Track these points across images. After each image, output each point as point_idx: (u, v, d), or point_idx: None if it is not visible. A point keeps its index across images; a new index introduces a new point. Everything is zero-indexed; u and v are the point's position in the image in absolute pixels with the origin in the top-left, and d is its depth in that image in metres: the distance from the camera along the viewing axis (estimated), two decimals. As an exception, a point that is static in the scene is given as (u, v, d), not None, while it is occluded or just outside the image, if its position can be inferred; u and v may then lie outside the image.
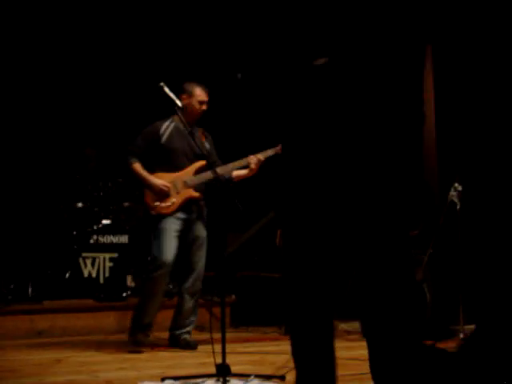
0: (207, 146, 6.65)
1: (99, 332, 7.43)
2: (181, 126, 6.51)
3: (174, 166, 6.54)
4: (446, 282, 6.91)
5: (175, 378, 4.94)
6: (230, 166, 6.52)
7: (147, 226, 8.04)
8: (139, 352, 6.30)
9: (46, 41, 8.53)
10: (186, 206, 6.52)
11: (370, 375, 5.20)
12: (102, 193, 8.16)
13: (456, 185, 6.54)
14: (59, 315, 7.43)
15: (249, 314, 6.87)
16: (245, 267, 6.55)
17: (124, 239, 8.03)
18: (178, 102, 5.45)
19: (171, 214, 6.46)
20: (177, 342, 6.55)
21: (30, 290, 7.52)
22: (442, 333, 6.77)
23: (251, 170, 6.50)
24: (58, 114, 8.56)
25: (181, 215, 6.50)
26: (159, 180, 6.47)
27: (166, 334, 6.68)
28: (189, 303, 6.60)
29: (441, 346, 6.35)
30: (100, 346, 6.77)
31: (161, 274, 6.36)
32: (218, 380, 4.75)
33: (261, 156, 6.46)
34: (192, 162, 6.57)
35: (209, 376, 4.86)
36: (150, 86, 5.66)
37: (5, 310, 7.23)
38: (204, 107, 6.57)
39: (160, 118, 6.66)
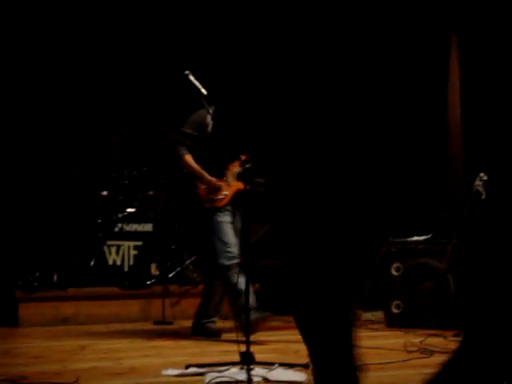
0: None
1: (123, 319, 7.47)
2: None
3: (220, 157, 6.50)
4: (471, 273, 6.88)
5: (199, 366, 4.96)
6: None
7: (173, 215, 8.08)
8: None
9: (73, 27, 8.55)
10: (234, 197, 6.46)
11: (392, 364, 5.22)
12: (126, 181, 8.18)
13: (481, 174, 6.50)
14: (84, 303, 7.47)
15: (272, 303, 6.85)
16: (268, 256, 6.55)
17: (148, 227, 8.06)
18: (204, 91, 5.42)
19: (224, 207, 6.39)
20: (201, 331, 6.54)
21: (55, 278, 7.56)
22: (465, 323, 6.75)
23: None
24: (84, 101, 8.58)
25: (229, 207, 6.43)
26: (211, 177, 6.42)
27: (189, 322, 6.69)
28: (219, 293, 6.54)
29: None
30: (124, 333, 6.81)
31: (233, 265, 6.28)
32: (241, 368, 4.76)
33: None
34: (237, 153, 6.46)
35: (233, 364, 4.87)
36: (176, 73, 5.66)
37: (30, 297, 7.28)
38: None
39: (186, 105, 6.60)
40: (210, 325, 6.55)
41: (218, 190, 6.39)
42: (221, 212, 6.37)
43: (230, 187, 6.42)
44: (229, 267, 6.26)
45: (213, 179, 6.39)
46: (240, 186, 6.40)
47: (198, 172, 6.43)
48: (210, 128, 6.44)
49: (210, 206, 6.40)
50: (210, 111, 6.18)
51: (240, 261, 6.28)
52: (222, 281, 6.41)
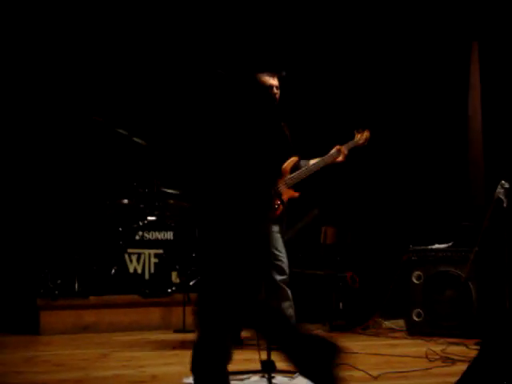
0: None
1: (144, 327, 7.48)
2: None
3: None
4: (493, 281, 6.85)
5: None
6: (319, 163, 6.29)
7: (193, 223, 8.08)
8: None
9: (109, 32, 8.57)
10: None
11: (414, 373, 5.20)
12: (147, 189, 8.20)
13: (503, 182, 6.47)
14: (105, 310, 7.49)
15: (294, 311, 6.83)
16: (289, 264, 6.54)
17: (169, 235, 8.07)
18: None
19: (276, 217, 6.15)
20: None
21: (76, 286, 7.59)
22: (487, 331, 6.72)
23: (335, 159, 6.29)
24: (105, 110, 8.60)
25: (281, 216, 6.21)
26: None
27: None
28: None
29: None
30: (145, 341, 6.82)
31: (285, 280, 6.17)
32: (263, 376, 4.76)
33: (344, 148, 6.28)
34: (284, 157, 6.22)
35: (254, 372, 4.87)
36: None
37: (52, 304, 7.31)
38: (275, 91, 6.15)
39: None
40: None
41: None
42: (273, 223, 6.05)
43: (282, 196, 6.20)
44: (278, 282, 6.12)
45: None
46: (292, 194, 6.20)
47: None
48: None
49: None
50: None
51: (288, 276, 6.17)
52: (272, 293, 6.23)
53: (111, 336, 7.11)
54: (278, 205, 6.19)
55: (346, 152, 6.28)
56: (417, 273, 7.11)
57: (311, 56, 8.93)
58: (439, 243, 7.21)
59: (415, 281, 7.10)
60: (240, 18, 8.77)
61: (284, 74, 7.30)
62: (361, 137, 6.40)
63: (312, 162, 6.31)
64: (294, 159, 6.24)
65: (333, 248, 8.06)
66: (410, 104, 8.91)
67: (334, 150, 6.27)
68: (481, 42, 8.63)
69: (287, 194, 6.21)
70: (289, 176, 6.23)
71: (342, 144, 6.32)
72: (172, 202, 8.23)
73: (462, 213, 8.16)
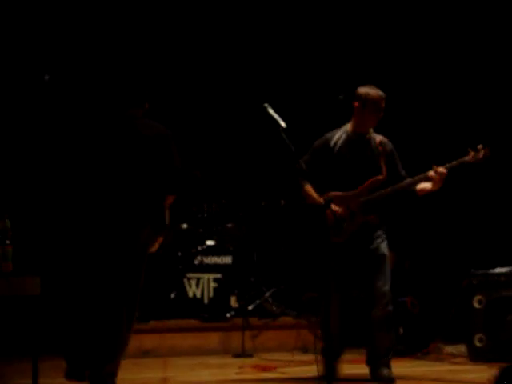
0: (385, 157, 5.94)
1: (203, 352, 7.48)
2: (353, 136, 5.93)
3: (347, 183, 5.87)
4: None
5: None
6: (405, 183, 5.87)
7: (251, 247, 8.09)
8: None
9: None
10: (360, 230, 5.88)
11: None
12: (206, 214, 8.24)
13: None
14: (165, 335, 7.52)
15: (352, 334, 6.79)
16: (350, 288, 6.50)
17: (228, 260, 8.09)
18: (282, 123, 5.34)
19: (344, 241, 5.85)
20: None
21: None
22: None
23: (434, 183, 5.76)
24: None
25: (353, 241, 5.87)
26: (332, 206, 5.66)
27: (270, 355, 6.64)
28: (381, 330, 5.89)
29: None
30: (204, 365, 6.83)
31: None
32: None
33: (443, 169, 5.74)
34: (367, 177, 5.87)
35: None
36: (254, 106, 5.69)
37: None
38: (380, 115, 5.91)
39: (264, 137, 6.52)
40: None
41: (342, 221, 5.81)
42: (337, 247, 5.82)
43: (352, 220, 5.88)
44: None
45: (337, 209, 5.79)
46: (365, 217, 5.87)
47: (318, 203, 5.80)
48: (336, 150, 5.95)
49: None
50: (353, 133, 5.91)
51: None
52: None
53: (171, 360, 7.12)
54: (345, 229, 5.83)
55: (443, 171, 5.72)
56: (478, 297, 7.01)
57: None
58: (501, 267, 7.11)
59: (476, 305, 7.00)
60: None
61: (341, 97, 7.27)
62: (475, 155, 5.80)
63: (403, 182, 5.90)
64: (376, 178, 5.87)
65: (392, 273, 7.99)
66: (475, 110, 8.71)
67: (423, 174, 5.80)
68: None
69: (361, 217, 5.86)
70: (366, 196, 5.86)
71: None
72: (230, 226, 8.26)
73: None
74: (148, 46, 8.55)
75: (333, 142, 5.95)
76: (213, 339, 7.63)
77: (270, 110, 5.31)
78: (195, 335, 7.59)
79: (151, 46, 8.58)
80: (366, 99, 5.84)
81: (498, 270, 7.08)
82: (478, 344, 6.92)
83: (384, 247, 5.92)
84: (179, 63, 8.85)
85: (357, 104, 5.89)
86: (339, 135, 5.97)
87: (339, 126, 6.12)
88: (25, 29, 7.84)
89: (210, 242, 8.15)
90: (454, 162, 5.77)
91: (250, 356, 7.26)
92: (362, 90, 5.89)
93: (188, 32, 8.87)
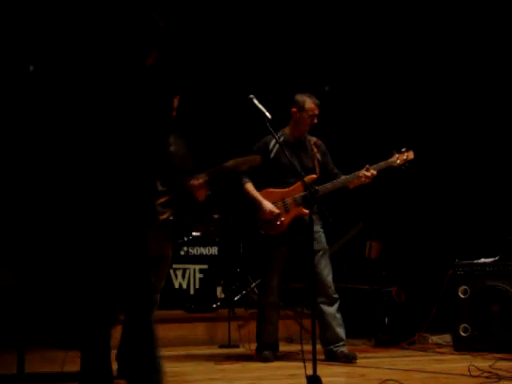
0: (319, 157, 6.52)
1: (189, 343, 7.50)
2: (290, 138, 6.50)
3: (283, 182, 6.42)
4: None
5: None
6: (342, 180, 6.41)
7: (238, 238, 8.09)
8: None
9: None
10: (295, 223, 6.38)
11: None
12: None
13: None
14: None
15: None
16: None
17: (214, 251, 8.10)
18: (268, 114, 5.37)
19: (280, 234, 6.37)
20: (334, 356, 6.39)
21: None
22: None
23: (365, 180, 6.34)
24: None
25: (289, 233, 6.38)
26: (269, 204, 6.34)
27: (254, 345, 6.67)
28: (331, 314, 6.39)
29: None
30: (190, 356, 6.83)
31: (270, 302, 6.43)
32: (308, 391, 4.74)
33: (374, 171, 6.30)
34: (302, 176, 6.17)
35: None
36: (240, 98, 5.69)
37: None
38: (314, 121, 6.46)
39: (251, 132, 6.63)
40: (342, 349, 6.40)
41: (277, 217, 6.33)
42: (274, 240, 6.38)
43: (288, 213, 6.38)
44: (263, 304, 6.49)
45: (267, 207, 6.33)
46: (301, 211, 6.35)
47: (257, 200, 6.39)
48: (273, 153, 6.49)
49: (264, 233, 6.40)
50: (276, 135, 6.14)
51: (278, 293, 6.42)
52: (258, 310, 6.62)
53: (157, 351, 7.12)
54: (282, 222, 6.35)
55: (374, 173, 6.31)
56: (463, 287, 7.05)
57: (351, 70, 8.93)
58: (486, 257, 7.15)
59: (461, 295, 7.04)
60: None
61: (327, 88, 7.34)
62: (400, 157, 6.36)
63: (340, 179, 6.43)
64: (310, 177, 6.31)
65: (378, 262, 8.02)
66: (455, 117, 8.85)
67: (355, 173, 6.35)
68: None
69: (296, 211, 6.37)
70: (301, 193, 6.36)
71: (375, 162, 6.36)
72: (217, 217, 8.26)
73: (508, 226, 8.08)
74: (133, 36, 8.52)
75: (271, 145, 6.48)
76: (199, 330, 7.64)
77: (256, 101, 5.32)
78: (181, 326, 7.60)
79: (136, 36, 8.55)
80: (302, 105, 6.42)
81: (483, 260, 7.11)
82: (462, 334, 6.96)
83: (324, 240, 6.46)
84: (165, 55, 8.82)
85: (294, 109, 6.47)
86: (275, 140, 6.22)
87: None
88: (9, 19, 7.81)
89: (196, 233, 8.15)
90: (382, 164, 6.31)
91: (237, 346, 7.28)
92: (300, 97, 6.47)
93: (174, 24, 8.85)
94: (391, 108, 9.02)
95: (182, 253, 8.01)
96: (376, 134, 8.79)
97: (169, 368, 6.16)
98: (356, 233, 7.90)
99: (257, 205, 6.40)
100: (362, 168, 6.32)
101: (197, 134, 8.94)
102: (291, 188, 6.40)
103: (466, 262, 7.13)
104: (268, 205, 6.34)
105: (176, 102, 5.73)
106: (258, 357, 6.47)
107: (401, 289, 7.49)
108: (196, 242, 8.09)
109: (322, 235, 6.48)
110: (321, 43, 8.93)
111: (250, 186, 6.45)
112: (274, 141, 6.44)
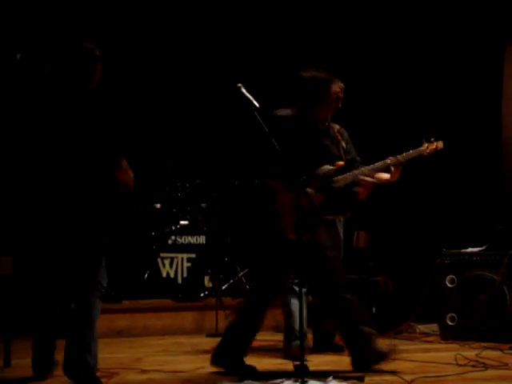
0: (344, 144, 5.92)
1: (177, 332, 7.50)
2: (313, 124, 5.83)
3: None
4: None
5: (254, 378, 4.96)
6: (369, 168, 5.75)
7: (225, 227, 8.09)
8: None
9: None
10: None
11: (448, 377, 5.16)
12: (179, 194, 8.23)
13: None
14: (138, 315, 7.52)
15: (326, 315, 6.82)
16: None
17: (202, 240, 8.09)
18: (256, 103, 5.32)
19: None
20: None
21: (109, 290, 7.62)
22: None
23: (392, 173, 5.73)
24: (141, 115, 8.64)
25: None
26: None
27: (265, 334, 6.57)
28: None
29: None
30: (178, 345, 6.84)
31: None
32: (296, 380, 4.74)
33: (401, 158, 5.70)
34: (329, 163, 5.78)
35: (287, 376, 4.86)
36: (227, 86, 5.67)
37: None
38: (339, 104, 5.83)
39: (237, 117, 6.55)
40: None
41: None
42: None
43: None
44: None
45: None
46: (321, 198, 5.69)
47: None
48: None
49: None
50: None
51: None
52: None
53: (144, 340, 7.13)
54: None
55: (402, 161, 5.71)
56: (450, 277, 7.06)
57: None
58: (473, 247, 7.16)
59: (449, 285, 7.05)
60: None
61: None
62: (429, 146, 5.83)
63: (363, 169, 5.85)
64: (338, 164, 5.78)
65: (365, 252, 8.03)
66: (442, 107, 8.86)
67: (382, 161, 5.76)
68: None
69: (317, 198, 5.66)
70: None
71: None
72: (204, 205, 8.26)
73: (495, 216, 8.10)
74: (117, 25, 8.53)
75: None
76: (186, 319, 7.64)
77: (243, 90, 5.29)
78: (169, 315, 7.60)
79: (121, 25, 8.56)
80: (328, 90, 5.73)
81: (470, 249, 7.13)
82: (449, 323, 6.98)
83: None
84: (152, 43, 8.81)
85: None
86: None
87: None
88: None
89: (183, 222, 8.14)
90: (411, 152, 5.72)
91: (224, 335, 7.27)
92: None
93: (160, 13, 8.83)
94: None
95: (170, 242, 8.00)
96: (391, 126, 8.74)
97: (157, 357, 6.19)
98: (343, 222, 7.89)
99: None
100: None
101: (183, 121, 8.95)
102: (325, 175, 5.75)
103: (454, 251, 7.15)
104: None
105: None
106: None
107: (388, 278, 7.50)
108: (184, 231, 8.08)
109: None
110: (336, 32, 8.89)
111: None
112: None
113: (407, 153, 5.72)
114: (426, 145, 5.79)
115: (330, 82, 5.73)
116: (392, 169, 5.69)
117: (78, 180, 4.92)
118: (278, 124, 5.53)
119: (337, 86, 5.79)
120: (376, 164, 5.74)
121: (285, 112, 5.67)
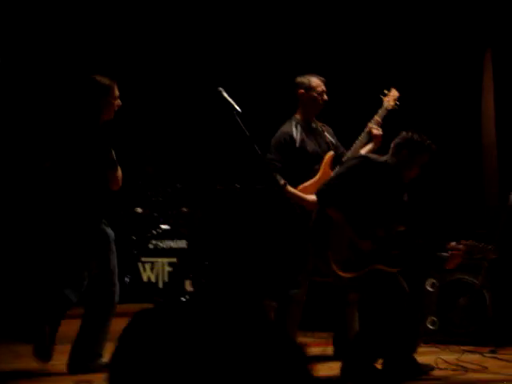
0: (331, 139, 6.16)
1: (158, 336, 7.46)
2: (304, 124, 6.07)
3: (311, 170, 6.03)
4: (507, 288, 6.81)
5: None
6: (358, 145, 5.99)
7: (206, 231, 8.08)
8: None
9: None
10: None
11: (429, 381, 5.17)
12: (161, 198, 8.21)
13: (517, 189, 6.45)
14: (118, 319, 7.46)
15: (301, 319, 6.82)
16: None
17: (183, 244, 8.07)
18: (237, 107, 5.34)
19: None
20: None
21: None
22: (502, 339, 6.69)
23: (375, 137, 5.96)
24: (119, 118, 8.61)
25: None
26: (312, 197, 5.71)
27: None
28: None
29: (501, 352, 6.28)
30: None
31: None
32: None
33: (378, 117, 6.00)
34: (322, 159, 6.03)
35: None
36: (207, 90, 5.67)
37: (67, 313, 7.30)
38: (325, 97, 6.07)
39: (218, 121, 6.55)
40: None
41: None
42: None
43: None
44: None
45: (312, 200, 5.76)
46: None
47: (301, 198, 5.90)
48: (298, 142, 6.08)
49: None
50: (303, 122, 6.06)
51: None
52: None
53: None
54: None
55: (379, 120, 6.01)
56: (431, 280, 7.08)
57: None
58: (453, 251, 7.17)
59: (429, 288, 7.07)
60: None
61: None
62: (389, 99, 6.07)
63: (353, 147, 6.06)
64: (329, 155, 6.01)
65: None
66: (422, 108, 8.87)
67: (365, 130, 6.01)
68: (494, 48, 8.60)
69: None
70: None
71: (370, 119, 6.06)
72: (185, 210, 8.24)
73: (475, 220, 8.12)
74: (102, 27, 8.50)
75: (295, 134, 6.03)
76: (167, 323, 7.61)
77: (225, 94, 5.30)
78: (150, 319, 7.56)
79: (105, 27, 8.54)
80: (308, 84, 6.04)
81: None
82: (430, 327, 7.00)
83: None
84: (134, 46, 8.79)
85: (301, 91, 6.06)
86: (295, 125, 6.05)
87: (294, 110, 6.18)
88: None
89: (164, 226, 8.12)
90: (380, 112, 6.00)
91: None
92: (302, 78, 6.08)
93: (144, 15, 8.82)
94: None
95: (151, 246, 7.98)
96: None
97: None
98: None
99: (300, 203, 5.95)
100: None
101: (164, 125, 8.92)
102: (321, 174, 6.00)
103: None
104: (311, 197, 5.85)
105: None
106: None
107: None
108: (165, 236, 8.06)
109: None
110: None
111: (288, 187, 5.89)
112: (294, 128, 6.02)
113: (377, 114, 6.01)
114: (386, 99, 5.99)
115: (309, 82, 6.02)
116: (374, 131, 5.95)
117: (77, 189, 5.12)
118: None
119: (317, 80, 6.05)
120: (359, 138, 6.01)
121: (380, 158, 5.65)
